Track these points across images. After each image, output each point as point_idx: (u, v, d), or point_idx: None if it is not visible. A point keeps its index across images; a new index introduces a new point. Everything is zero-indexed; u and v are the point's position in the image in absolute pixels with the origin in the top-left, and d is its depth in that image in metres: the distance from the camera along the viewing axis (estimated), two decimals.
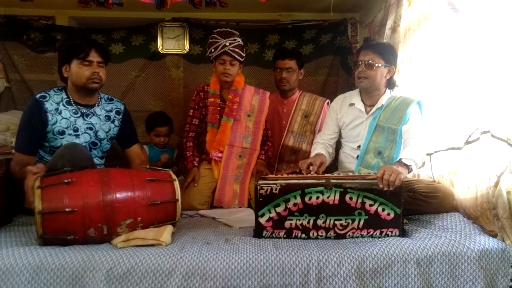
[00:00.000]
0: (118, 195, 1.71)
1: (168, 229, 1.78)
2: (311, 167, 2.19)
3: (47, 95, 2.18)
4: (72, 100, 2.21)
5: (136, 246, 1.66)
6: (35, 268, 1.51)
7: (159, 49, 3.49)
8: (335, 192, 1.79)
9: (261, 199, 1.80)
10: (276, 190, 1.79)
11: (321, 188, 1.79)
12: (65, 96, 2.21)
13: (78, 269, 1.52)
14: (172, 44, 3.50)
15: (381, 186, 1.78)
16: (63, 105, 2.19)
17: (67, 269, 1.52)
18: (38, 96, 2.17)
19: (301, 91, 3.07)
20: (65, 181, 1.68)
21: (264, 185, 1.79)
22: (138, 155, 2.48)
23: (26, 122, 2.15)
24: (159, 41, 3.48)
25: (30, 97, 3.36)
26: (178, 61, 3.54)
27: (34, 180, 1.71)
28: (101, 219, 1.67)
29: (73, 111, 2.20)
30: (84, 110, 2.24)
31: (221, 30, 2.71)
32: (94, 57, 2.15)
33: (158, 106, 3.49)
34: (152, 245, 1.67)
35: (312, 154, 2.44)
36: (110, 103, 2.37)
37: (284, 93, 3.05)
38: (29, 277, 1.50)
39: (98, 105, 2.30)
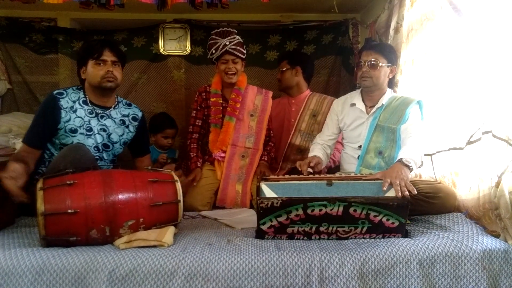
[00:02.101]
0: (120, 197, 1.72)
1: (170, 230, 1.78)
2: (311, 165, 2.20)
3: (64, 92, 2.20)
4: (88, 100, 2.23)
5: (138, 247, 1.66)
6: (37, 269, 1.52)
7: (161, 51, 3.50)
8: (339, 205, 1.73)
9: (261, 211, 1.76)
10: (277, 203, 1.74)
11: (324, 202, 1.73)
12: (82, 96, 2.23)
13: (81, 270, 1.52)
14: (173, 45, 3.51)
15: (399, 195, 1.74)
16: (79, 104, 2.20)
17: (69, 271, 1.52)
18: (55, 92, 2.19)
19: (311, 92, 3.08)
20: (68, 182, 1.68)
21: (265, 200, 1.74)
22: (147, 165, 2.47)
23: (39, 116, 2.17)
24: (161, 43, 3.49)
25: (32, 99, 3.43)
26: (180, 62, 3.55)
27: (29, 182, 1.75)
28: (103, 221, 1.67)
29: (88, 110, 2.21)
30: (99, 111, 2.25)
31: (219, 30, 2.70)
32: (108, 56, 2.17)
33: (160, 108, 3.50)
34: (154, 246, 1.67)
35: (310, 154, 2.44)
36: (128, 108, 2.37)
37: (287, 92, 3.08)
38: (32, 278, 1.51)
39: (114, 108, 2.31)
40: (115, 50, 2.22)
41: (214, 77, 2.85)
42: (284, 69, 3.01)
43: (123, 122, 2.33)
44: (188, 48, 3.52)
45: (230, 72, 2.68)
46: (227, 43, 2.62)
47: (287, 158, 2.96)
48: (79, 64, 2.24)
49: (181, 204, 1.87)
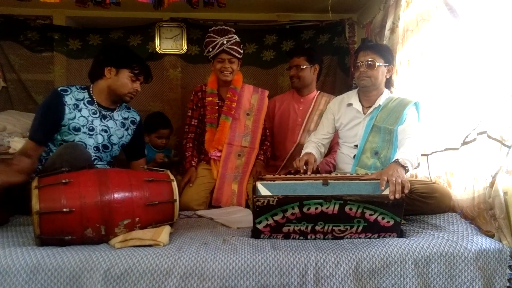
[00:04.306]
0: (116, 196, 1.71)
1: (166, 229, 1.77)
2: (306, 165, 2.19)
3: (68, 89, 2.20)
4: (94, 100, 2.23)
5: (134, 246, 1.65)
6: (32, 268, 1.51)
7: (157, 49, 3.49)
8: (335, 204, 1.74)
9: (257, 209, 1.76)
10: (273, 202, 1.73)
11: (320, 200, 1.74)
12: (87, 96, 2.22)
13: (76, 269, 1.52)
14: (169, 44, 3.50)
15: (391, 197, 1.73)
16: (84, 104, 2.20)
17: (64, 270, 1.51)
18: (59, 89, 2.18)
19: (319, 91, 3.04)
20: (63, 181, 1.67)
21: (261, 198, 1.74)
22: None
23: (43, 112, 2.15)
24: (157, 41, 3.48)
25: (27, 97, 3.42)
26: (176, 61, 3.54)
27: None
28: (98, 220, 1.67)
29: (93, 111, 2.21)
30: (104, 112, 2.25)
31: (216, 28, 2.69)
32: (142, 78, 2.28)
33: (156, 107, 3.49)
34: (150, 246, 1.67)
35: (304, 151, 2.43)
36: (128, 112, 2.39)
37: (299, 90, 3.02)
38: (27, 277, 1.50)
39: (117, 111, 2.32)
40: (148, 74, 2.31)
41: (210, 76, 2.84)
42: (304, 66, 2.90)
43: (123, 125, 2.34)
44: (185, 47, 3.51)
45: (225, 71, 2.67)
46: (225, 42, 2.61)
47: (292, 158, 2.87)
48: (109, 63, 2.19)
49: (177, 204, 1.86)
